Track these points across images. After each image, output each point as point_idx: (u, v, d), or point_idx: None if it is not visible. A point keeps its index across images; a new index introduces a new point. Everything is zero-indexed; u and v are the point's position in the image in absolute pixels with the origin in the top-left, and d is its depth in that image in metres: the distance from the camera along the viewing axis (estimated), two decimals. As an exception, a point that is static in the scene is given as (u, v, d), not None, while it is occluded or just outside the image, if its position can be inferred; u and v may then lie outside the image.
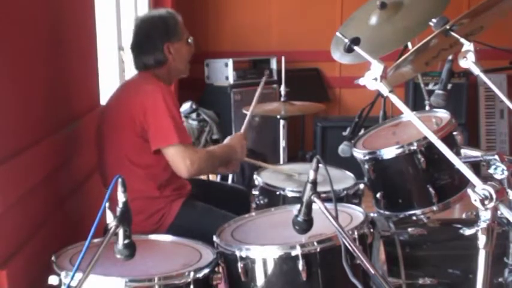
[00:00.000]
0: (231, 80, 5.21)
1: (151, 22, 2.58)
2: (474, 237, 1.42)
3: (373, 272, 1.59)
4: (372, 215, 2.23)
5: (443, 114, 2.37)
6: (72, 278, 1.59)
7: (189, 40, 2.64)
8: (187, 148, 2.40)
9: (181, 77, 2.85)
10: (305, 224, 1.70)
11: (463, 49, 1.84)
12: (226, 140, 2.73)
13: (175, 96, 4.98)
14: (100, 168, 2.59)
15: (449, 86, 2.40)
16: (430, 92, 2.61)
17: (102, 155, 2.56)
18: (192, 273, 1.80)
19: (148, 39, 2.56)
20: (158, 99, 2.39)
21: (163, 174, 2.48)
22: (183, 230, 2.39)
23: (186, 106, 4.80)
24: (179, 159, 2.38)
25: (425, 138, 2.13)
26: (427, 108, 2.85)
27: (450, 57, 2.36)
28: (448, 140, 2.13)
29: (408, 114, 1.60)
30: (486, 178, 1.42)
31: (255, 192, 2.71)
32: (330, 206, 1.68)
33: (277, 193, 2.62)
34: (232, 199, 2.80)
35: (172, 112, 2.39)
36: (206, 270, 1.85)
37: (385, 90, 1.60)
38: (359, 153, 2.33)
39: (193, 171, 2.40)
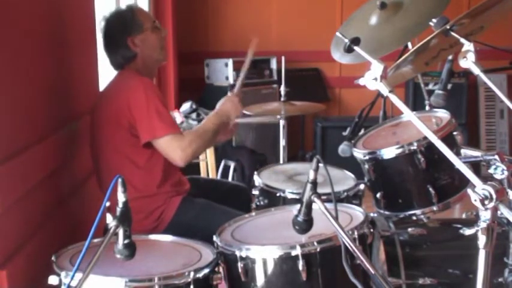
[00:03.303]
0: (231, 80, 5.20)
1: (109, 21, 2.58)
2: (474, 237, 1.42)
3: (373, 272, 1.59)
4: (372, 215, 2.23)
5: (443, 114, 2.37)
6: (72, 278, 1.59)
7: (156, 25, 2.62)
8: (175, 137, 2.39)
9: (161, 64, 2.84)
10: (305, 224, 1.69)
11: (463, 49, 1.84)
12: (216, 106, 2.69)
13: (177, 96, 5.04)
14: (95, 170, 2.59)
15: (449, 86, 2.40)
16: (430, 92, 2.61)
17: (96, 156, 2.56)
18: (192, 273, 1.80)
19: (109, 38, 2.58)
20: (140, 94, 2.40)
21: (160, 169, 2.48)
22: (183, 226, 2.40)
23: (186, 106, 4.78)
24: (171, 150, 2.39)
25: (425, 138, 2.13)
26: (427, 108, 2.85)
27: (450, 57, 2.36)
28: (448, 140, 2.13)
29: (408, 114, 1.60)
30: (486, 178, 1.42)
31: (255, 192, 2.71)
32: (330, 206, 1.68)
33: (277, 194, 2.61)
34: (232, 197, 2.79)
35: (156, 104, 2.40)
36: (206, 270, 1.85)
37: (385, 90, 1.60)
38: (359, 153, 2.33)
39: (188, 157, 2.40)
